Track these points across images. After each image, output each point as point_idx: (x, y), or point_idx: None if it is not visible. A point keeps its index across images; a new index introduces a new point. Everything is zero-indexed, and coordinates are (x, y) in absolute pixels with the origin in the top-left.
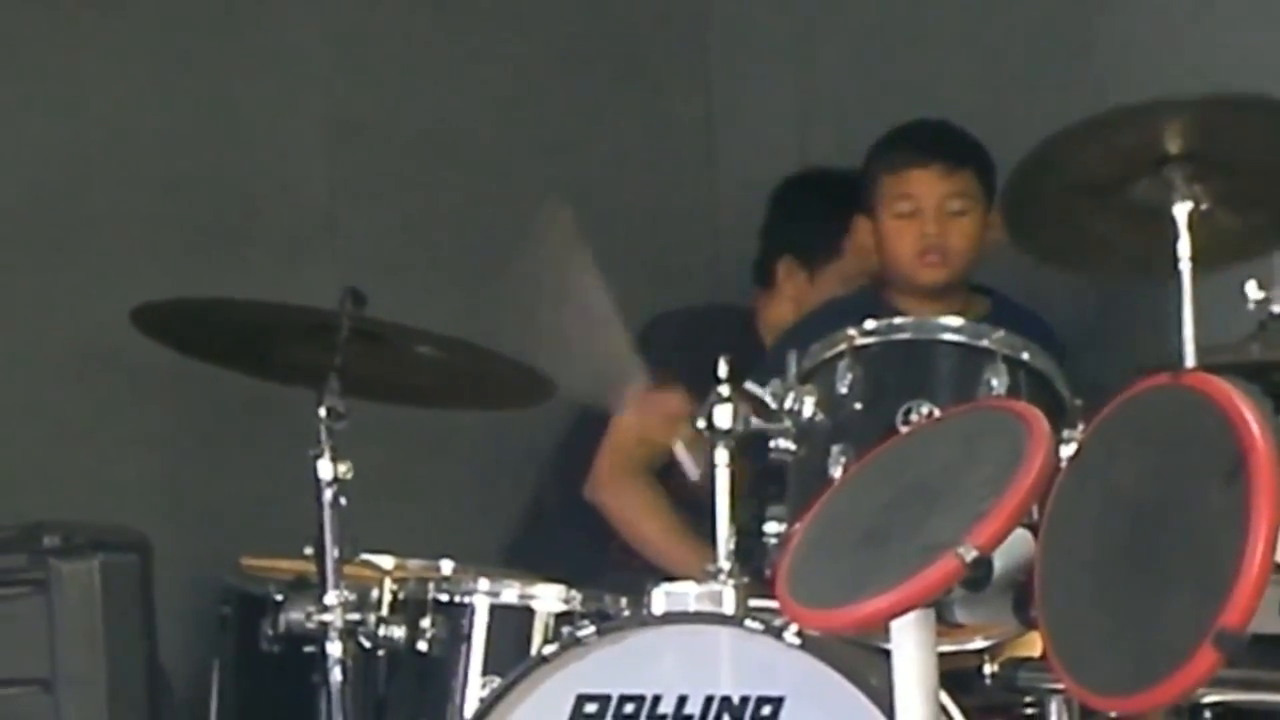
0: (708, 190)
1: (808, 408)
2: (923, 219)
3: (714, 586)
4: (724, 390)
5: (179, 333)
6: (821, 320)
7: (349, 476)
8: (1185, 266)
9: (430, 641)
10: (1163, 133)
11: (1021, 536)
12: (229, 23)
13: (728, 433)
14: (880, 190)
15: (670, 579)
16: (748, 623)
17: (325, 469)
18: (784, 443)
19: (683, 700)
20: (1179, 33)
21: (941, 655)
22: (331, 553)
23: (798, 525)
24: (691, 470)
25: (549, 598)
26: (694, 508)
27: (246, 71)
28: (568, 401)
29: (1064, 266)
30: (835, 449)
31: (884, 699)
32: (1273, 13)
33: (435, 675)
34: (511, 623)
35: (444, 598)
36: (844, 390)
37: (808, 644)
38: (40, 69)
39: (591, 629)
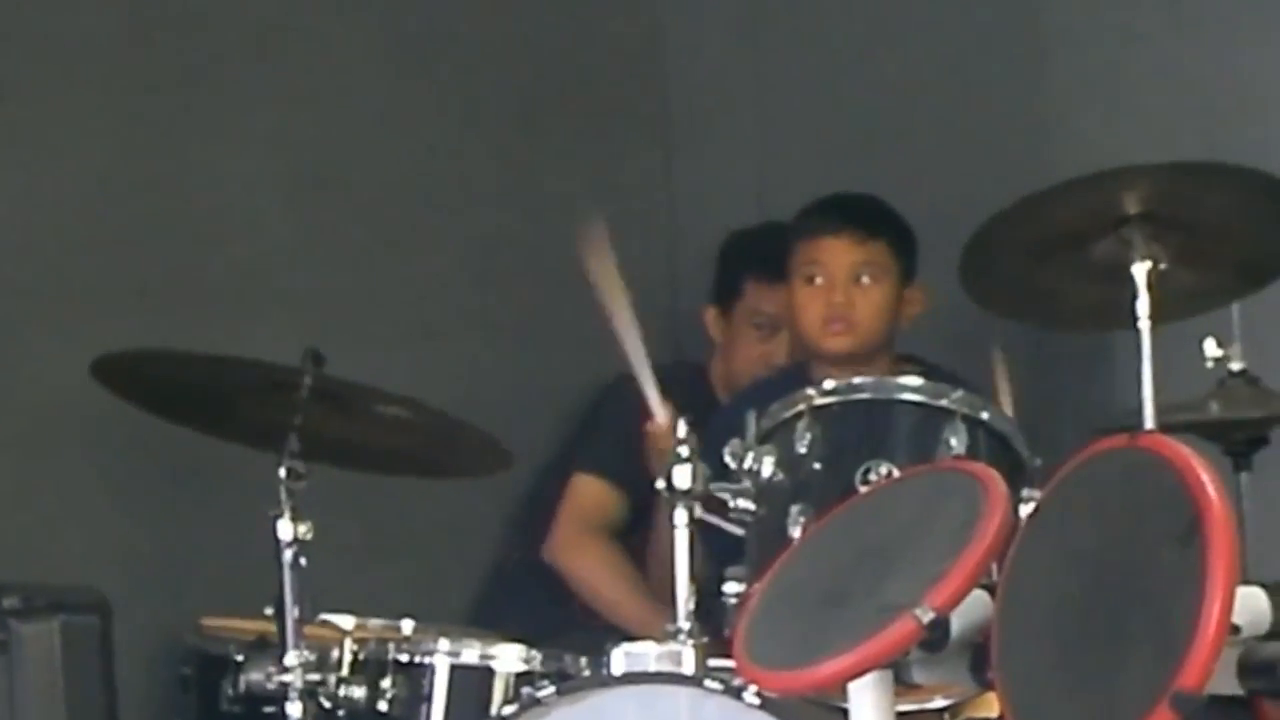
0: (667, 244)
1: (767, 468)
2: (830, 287)
3: (674, 646)
4: (683, 450)
5: (139, 386)
6: (747, 401)
7: (309, 537)
8: (1144, 325)
9: (391, 702)
10: (1122, 195)
11: (979, 597)
12: (187, 80)
13: (687, 493)
14: (794, 258)
15: (630, 639)
16: (707, 683)
17: (285, 529)
18: (743, 503)
19: None
20: (1133, 93)
21: (899, 716)
22: (292, 613)
23: (756, 585)
24: None
25: (509, 658)
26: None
27: (205, 129)
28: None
29: (1023, 321)
30: (794, 509)
31: None
32: (1224, 73)
33: None
34: (472, 683)
35: (404, 658)
36: (803, 450)
37: (767, 704)
38: None
39: (551, 689)
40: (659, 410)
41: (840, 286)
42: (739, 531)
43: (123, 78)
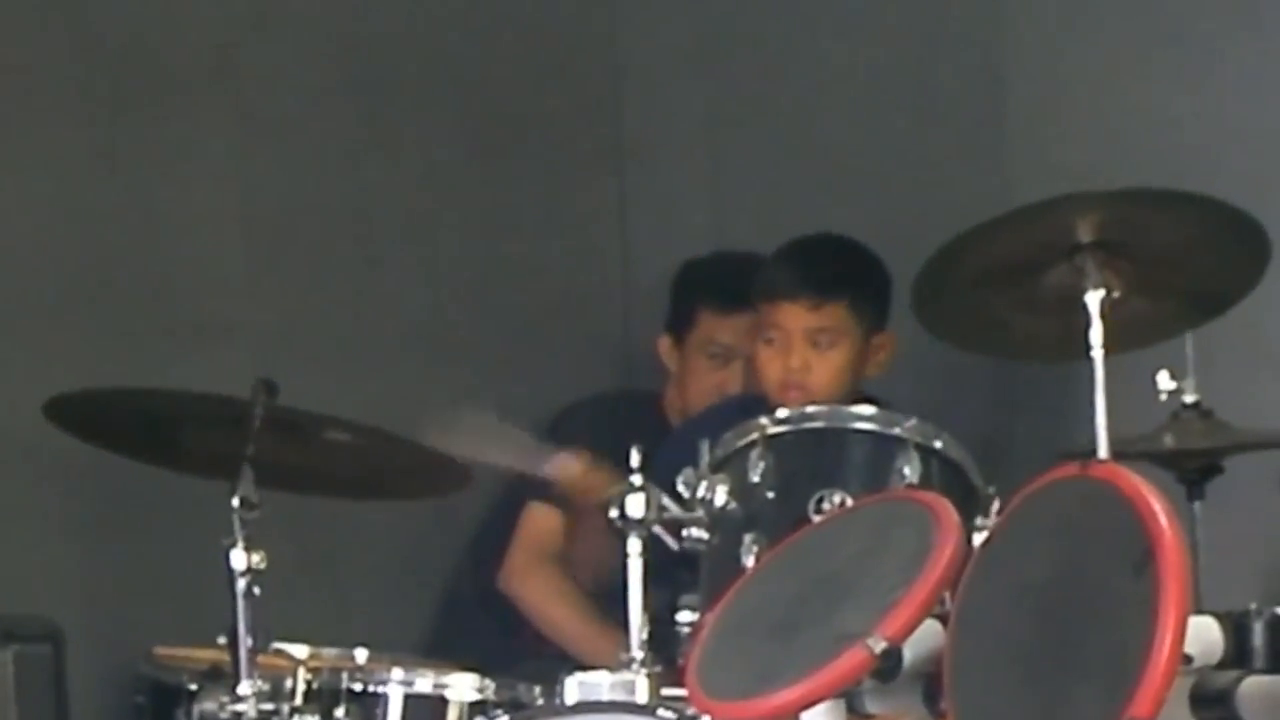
0: (620, 275)
1: (720, 496)
2: (786, 351)
3: (627, 675)
4: (636, 479)
5: (91, 424)
6: (699, 427)
7: (263, 566)
8: (1098, 354)
9: None
10: (1075, 223)
11: (931, 627)
12: (142, 111)
13: (640, 522)
14: (759, 315)
15: (584, 668)
16: (660, 712)
17: (239, 559)
18: (697, 531)
19: None
20: (1088, 117)
21: None
22: (245, 642)
23: (709, 614)
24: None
25: (463, 687)
26: (607, 597)
27: (159, 160)
28: (482, 490)
29: (976, 351)
30: (748, 538)
31: None
32: (1186, 100)
33: None
34: (425, 712)
35: (358, 687)
36: (756, 479)
37: None
38: None
39: (505, 718)
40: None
41: (796, 351)
42: (674, 545)
43: (76, 110)
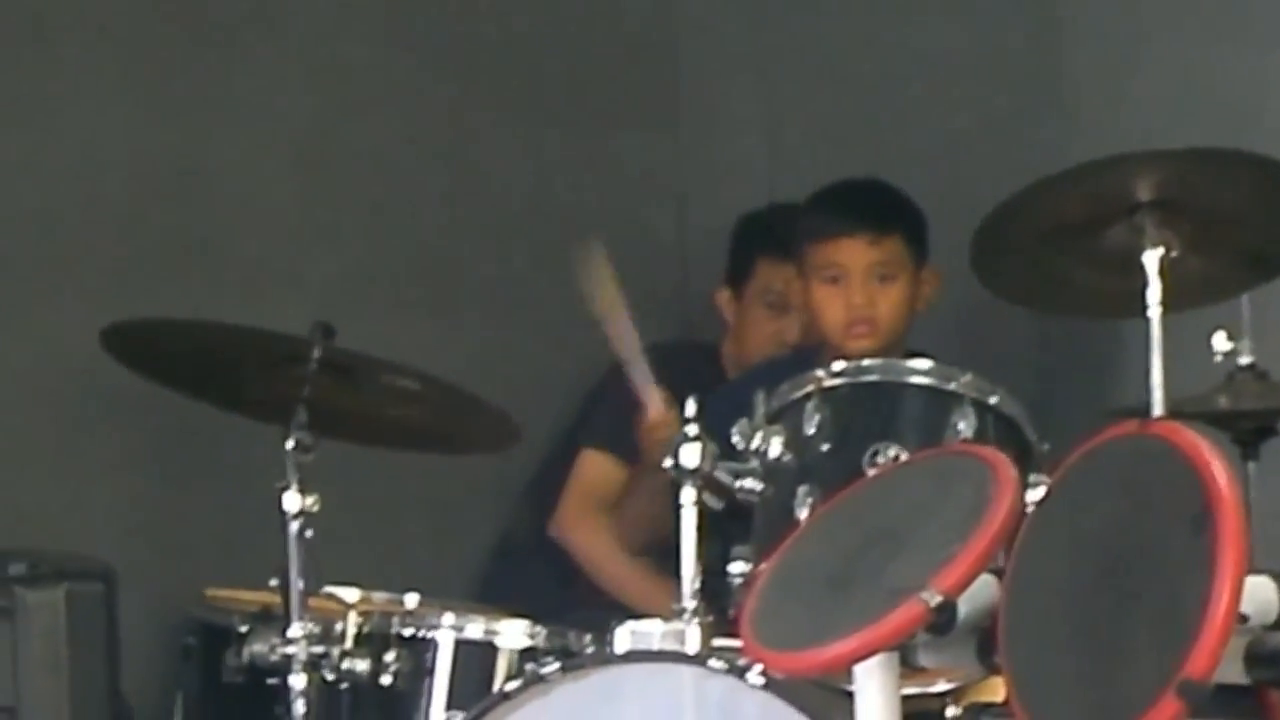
0: (677, 227)
1: (775, 448)
2: (849, 288)
3: (678, 625)
4: (691, 429)
5: (148, 355)
6: (754, 379)
7: (316, 509)
8: (1155, 313)
9: (394, 675)
10: (1134, 181)
11: (986, 581)
12: (199, 54)
13: (694, 471)
14: (809, 257)
15: (635, 617)
16: (711, 662)
17: (292, 501)
18: (751, 482)
19: None
20: (1150, 76)
21: (905, 698)
22: (296, 585)
23: (763, 566)
24: None
25: (513, 634)
26: (659, 552)
27: (216, 102)
28: (538, 437)
29: (1033, 308)
30: (801, 490)
31: None
32: (1242, 61)
33: (398, 709)
34: (475, 658)
35: (408, 632)
36: (811, 431)
37: (771, 685)
38: (11, 97)
39: (555, 666)
40: (654, 402)
41: (859, 287)
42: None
43: (136, 50)
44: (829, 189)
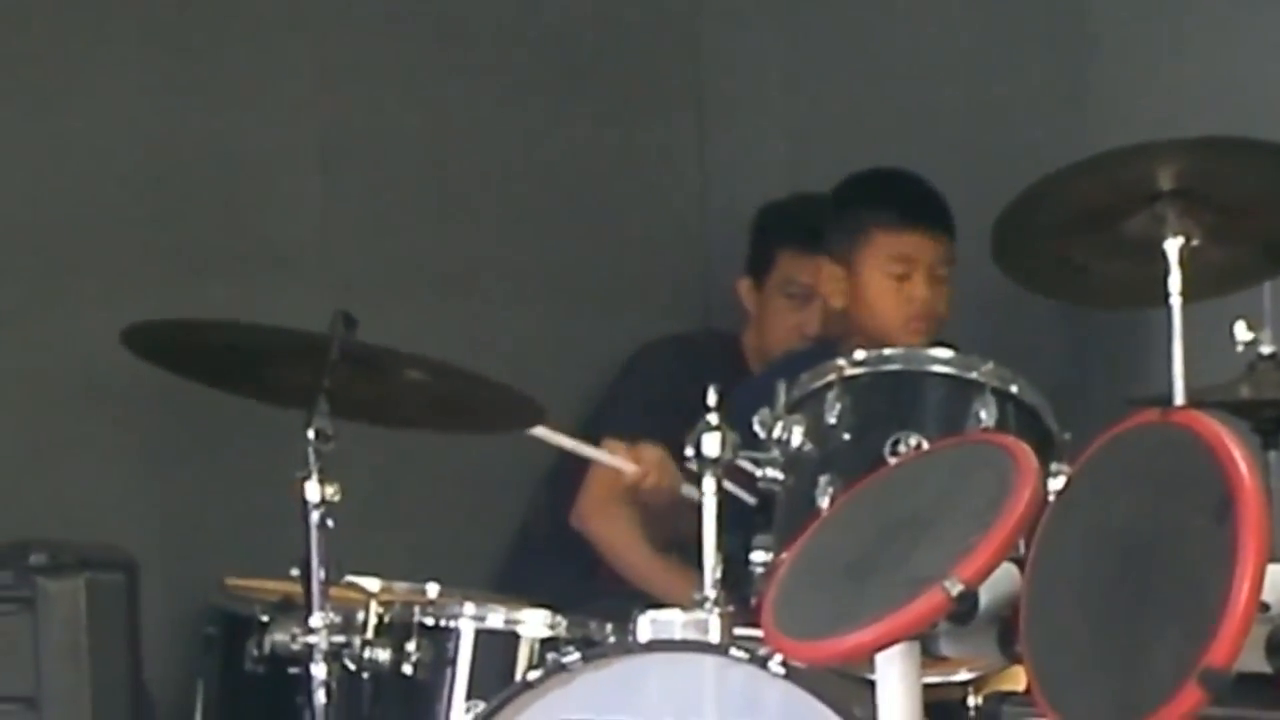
0: (698, 216)
1: (796, 437)
2: (915, 283)
3: (699, 614)
4: (712, 419)
5: (170, 354)
6: (777, 374)
7: (336, 499)
8: (1176, 302)
9: (415, 665)
10: (1156, 170)
11: (1007, 570)
12: (221, 46)
13: (715, 461)
14: (872, 245)
15: (657, 606)
16: (733, 651)
17: (313, 491)
18: (772, 472)
19: None
20: (1172, 65)
21: (926, 687)
22: (318, 574)
23: (784, 555)
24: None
25: (534, 623)
26: (679, 547)
27: (238, 94)
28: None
29: (1054, 297)
30: (823, 479)
31: None
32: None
33: (419, 699)
34: (497, 647)
35: (429, 621)
36: (832, 420)
37: (792, 674)
38: (32, 93)
39: (576, 655)
40: (621, 463)
41: (923, 282)
42: (750, 500)
43: (157, 44)
44: (885, 180)
